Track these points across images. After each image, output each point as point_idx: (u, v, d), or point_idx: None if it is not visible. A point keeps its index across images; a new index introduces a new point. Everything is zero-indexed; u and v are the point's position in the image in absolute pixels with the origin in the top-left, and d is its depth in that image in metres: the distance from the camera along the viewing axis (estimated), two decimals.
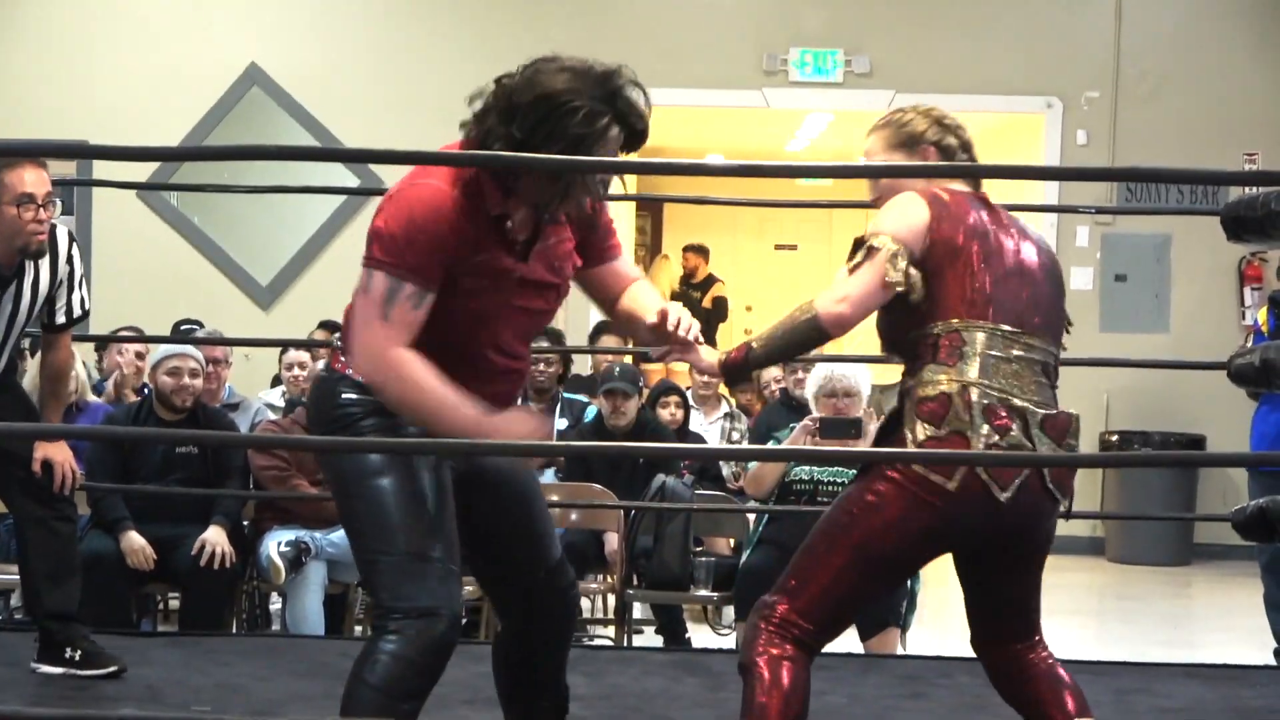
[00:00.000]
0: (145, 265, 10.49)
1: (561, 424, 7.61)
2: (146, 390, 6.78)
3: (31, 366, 6.30)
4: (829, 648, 3.50)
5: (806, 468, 6.03)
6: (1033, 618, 3.49)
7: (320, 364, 7.45)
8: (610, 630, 6.77)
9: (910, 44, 10.55)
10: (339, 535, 6.29)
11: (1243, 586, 8.27)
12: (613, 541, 6.68)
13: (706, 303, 14.99)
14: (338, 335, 3.80)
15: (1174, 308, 10.67)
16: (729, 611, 6.74)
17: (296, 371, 7.70)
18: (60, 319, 4.83)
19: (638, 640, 6.91)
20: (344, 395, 3.34)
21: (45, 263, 4.70)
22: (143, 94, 10.51)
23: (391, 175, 9.02)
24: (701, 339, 3.44)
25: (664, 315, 3.37)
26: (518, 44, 10.22)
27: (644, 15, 10.66)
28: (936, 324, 3.33)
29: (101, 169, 9.75)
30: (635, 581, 6.64)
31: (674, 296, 14.79)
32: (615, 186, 3.71)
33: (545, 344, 7.29)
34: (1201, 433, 10.12)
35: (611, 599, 6.77)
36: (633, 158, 3.40)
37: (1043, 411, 3.33)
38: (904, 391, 3.37)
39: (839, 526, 3.35)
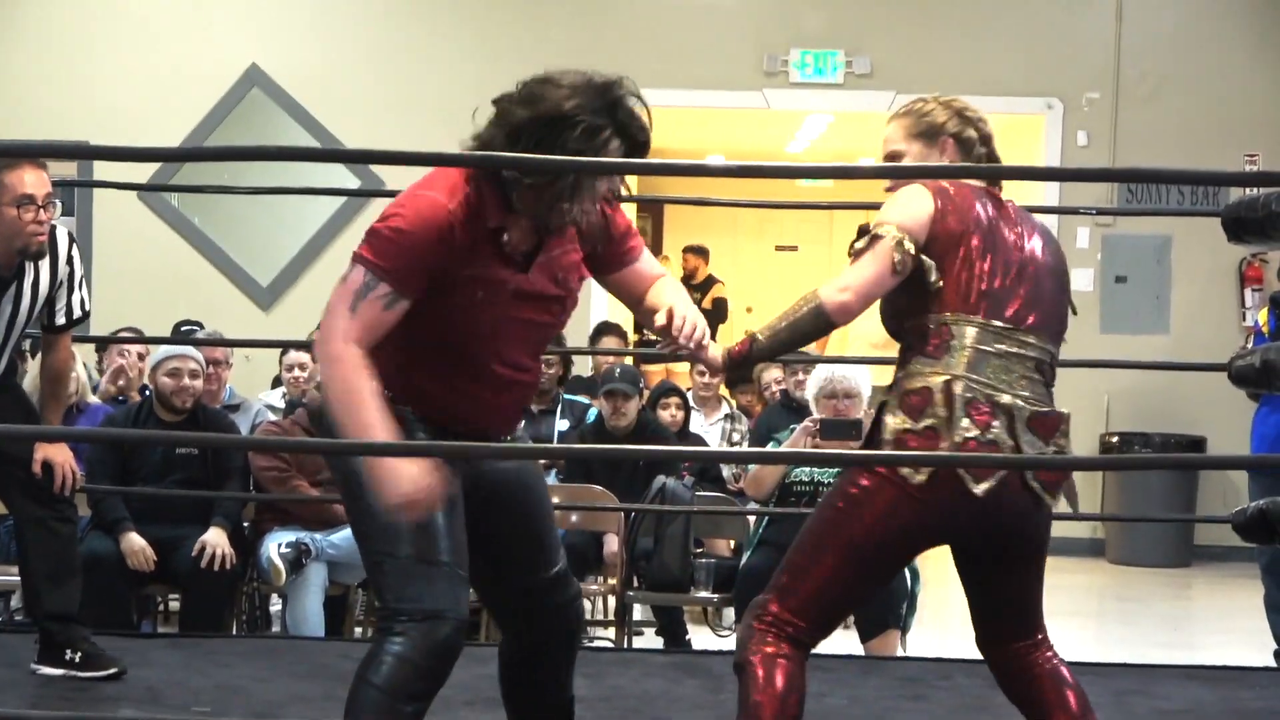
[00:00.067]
0: (146, 266, 10.49)
1: (562, 425, 7.61)
2: (146, 391, 6.78)
3: (31, 368, 6.29)
4: (830, 649, 3.50)
5: (807, 469, 6.03)
6: (1033, 617, 3.49)
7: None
8: (610, 632, 6.77)
9: (911, 45, 10.55)
10: (339, 537, 6.29)
11: (1243, 588, 8.26)
12: (613, 543, 6.67)
13: (706, 304, 14.98)
14: None
15: (1174, 309, 10.67)
16: (729, 613, 6.74)
17: (297, 373, 7.69)
18: (60, 320, 4.83)
19: (638, 642, 6.91)
20: None
21: (45, 264, 4.70)
22: (143, 95, 10.50)
23: (392, 176, 9.02)
24: (707, 341, 3.44)
25: (670, 316, 3.37)
26: (518, 44, 10.38)
27: (644, 16, 10.65)
28: (930, 316, 3.35)
29: (102, 170, 9.76)
30: (635, 583, 6.64)
31: None
32: None
33: None
34: (1202, 434, 10.11)
35: (612, 600, 6.76)
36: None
37: (1031, 408, 3.33)
38: (893, 383, 3.40)
39: (826, 523, 3.37)
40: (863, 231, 3.38)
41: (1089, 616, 9.04)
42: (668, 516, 6.48)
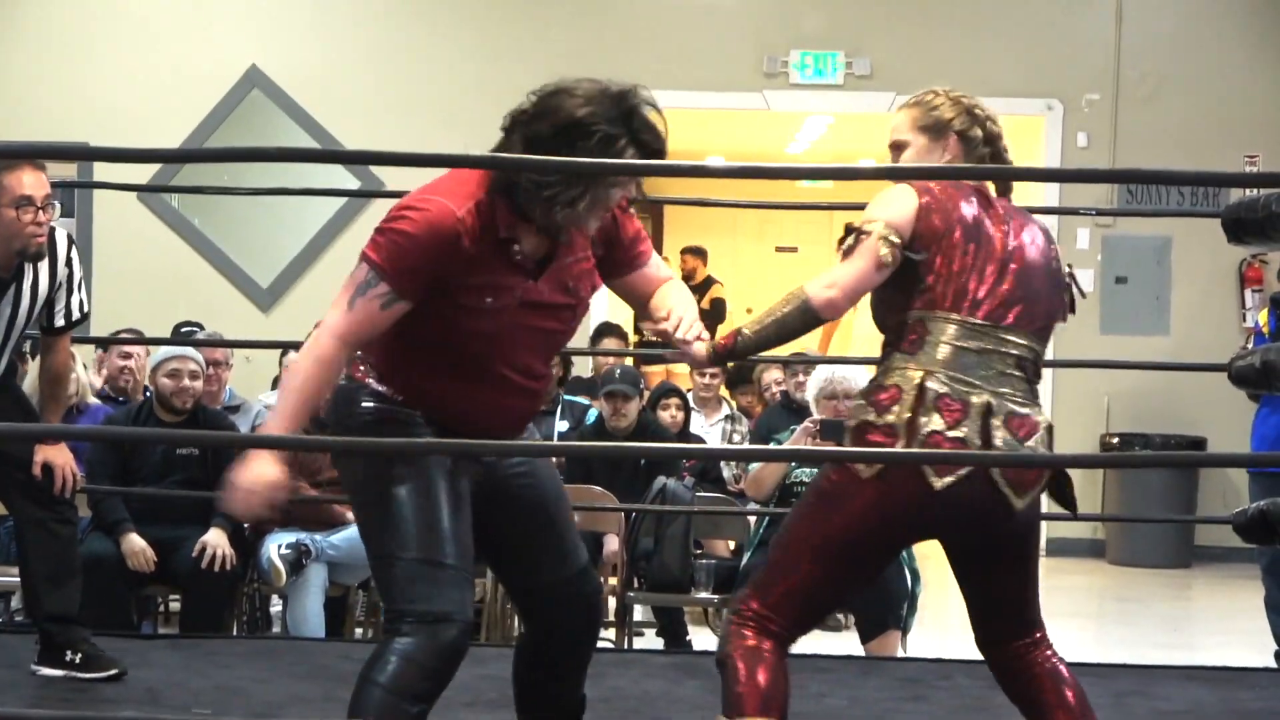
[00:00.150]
0: (145, 267, 10.49)
1: (562, 426, 7.62)
2: (147, 392, 6.78)
3: (31, 369, 6.29)
4: (829, 650, 3.51)
5: (807, 470, 6.03)
6: (1029, 616, 3.49)
7: None
8: (611, 632, 6.76)
9: (910, 46, 10.55)
10: (339, 537, 6.30)
11: (1243, 589, 8.26)
12: (613, 543, 6.68)
13: (705, 304, 14.98)
14: None
15: (1174, 310, 10.67)
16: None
17: None
18: (59, 322, 4.82)
19: (638, 642, 6.91)
20: (364, 404, 3.39)
21: (44, 265, 4.70)
22: (143, 96, 10.50)
23: (392, 177, 9.01)
24: (700, 337, 3.45)
25: (667, 315, 3.41)
26: (518, 44, 10.39)
27: (644, 17, 10.65)
28: (910, 312, 3.37)
29: (102, 171, 9.76)
30: (636, 584, 6.64)
31: None
32: None
33: None
34: (1202, 435, 10.11)
35: (612, 601, 6.76)
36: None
37: (1011, 406, 3.32)
38: (873, 376, 3.42)
39: (801, 519, 3.40)
40: (850, 230, 3.41)
41: (1089, 617, 9.03)
42: (668, 517, 6.48)
